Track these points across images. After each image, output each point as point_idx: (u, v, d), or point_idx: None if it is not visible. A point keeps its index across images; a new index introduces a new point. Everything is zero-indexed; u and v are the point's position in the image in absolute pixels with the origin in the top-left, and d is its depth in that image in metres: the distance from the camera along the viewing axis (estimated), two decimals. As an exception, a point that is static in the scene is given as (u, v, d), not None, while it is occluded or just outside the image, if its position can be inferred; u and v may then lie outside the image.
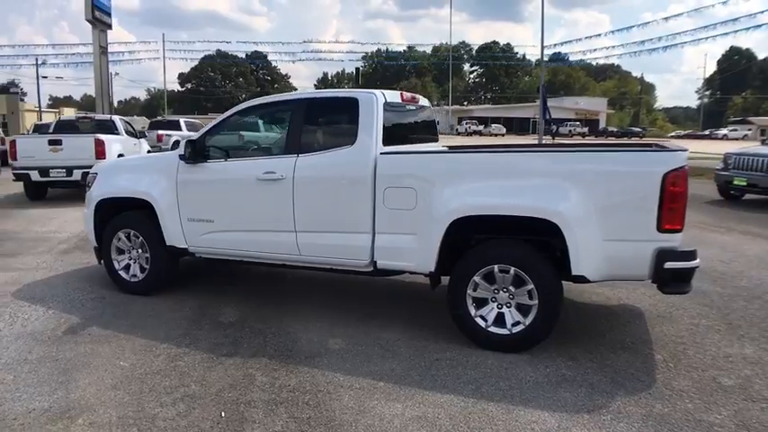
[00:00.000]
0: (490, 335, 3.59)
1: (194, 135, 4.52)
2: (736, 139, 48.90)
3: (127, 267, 4.83)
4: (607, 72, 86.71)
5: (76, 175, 9.52)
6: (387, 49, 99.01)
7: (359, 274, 4.12)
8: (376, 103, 3.90)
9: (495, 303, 3.60)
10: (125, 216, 4.75)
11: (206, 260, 4.77)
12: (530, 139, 26.49)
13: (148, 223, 4.61)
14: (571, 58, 58.54)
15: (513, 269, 3.47)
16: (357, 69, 53.13)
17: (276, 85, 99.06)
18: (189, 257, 4.77)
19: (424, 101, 4.92)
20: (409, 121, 4.68)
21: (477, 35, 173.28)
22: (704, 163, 15.80)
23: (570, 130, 53.09)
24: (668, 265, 3.20)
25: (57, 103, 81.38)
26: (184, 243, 4.54)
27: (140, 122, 26.65)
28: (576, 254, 3.30)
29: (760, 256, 6.25)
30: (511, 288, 3.53)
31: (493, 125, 59.30)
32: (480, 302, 3.63)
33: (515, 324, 3.55)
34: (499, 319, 3.59)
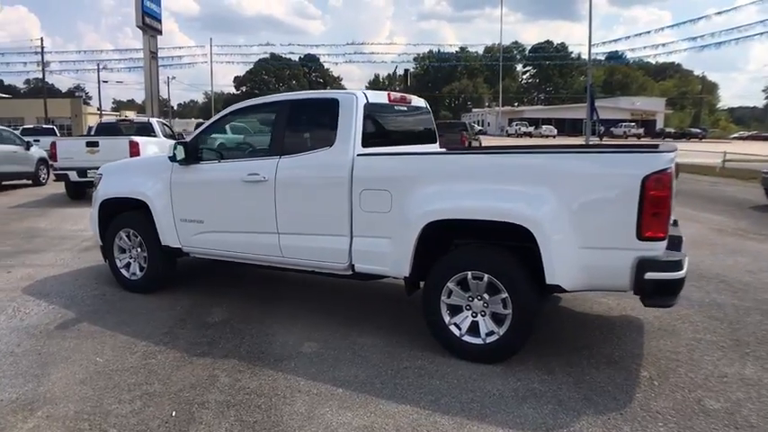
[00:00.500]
0: (464, 344, 3.45)
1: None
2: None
3: (127, 266, 4.98)
4: (667, 71, 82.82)
5: (112, 175, 9.93)
6: (438, 50, 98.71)
7: (339, 276, 4.06)
8: (355, 104, 3.84)
9: (470, 311, 3.46)
10: (125, 216, 4.90)
11: (210, 261, 4.83)
12: (579, 141, 25.57)
13: (146, 223, 4.73)
14: (629, 57, 56.28)
15: (486, 276, 3.32)
16: (405, 71, 53.05)
17: (328, 87, 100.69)
18: (189, 258, 4.86)
19: (418, 101, 4.81)
20: (400, 122, 4.58)
21: (531, 35, 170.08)
22: (761, 166, 14.76)
23: (625, 132, 51.08)
24: (649, 275, 2.96)
25: (120, 105, 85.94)
26: (178, 243, 4.63)
27: (194, 125, 27.67)
28: (549, 261, 3.12)
29: (796, 268, 5.75)
30: (485, 296, 3.38)
31: (543, 126, 57.90)
32: (455, 310, 3.50)
33: (489, 334, 3.39)
34: (473, 328, 3.45)
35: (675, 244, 3.79)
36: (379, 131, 4.22)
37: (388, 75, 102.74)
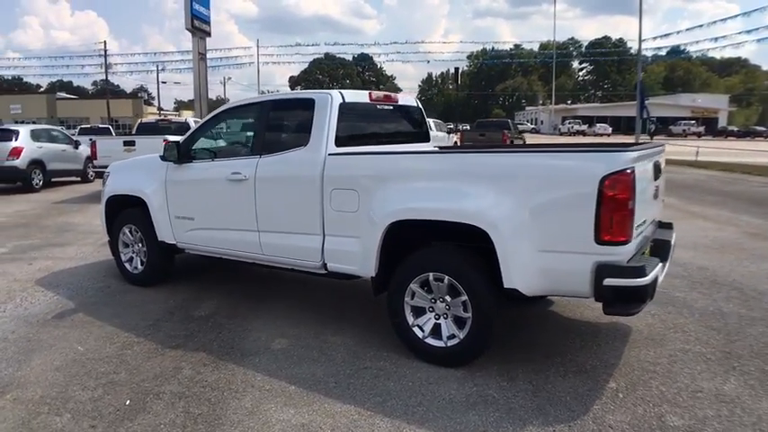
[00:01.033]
0: (427, 346, 3.40)
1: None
2: None
3: (131, 260, 5.21)
4: (733, 67, 77.95)
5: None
6: (492, 48, 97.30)
7: (317, 275, 4.09)
8: (330, 104, 3.85)
9: (433, 313, 3.40)
10: (128, 212, 5.12)
11: (214, 257, 4.96)
12: (631, 139, 24.46)
13: (145, 220, 4.92)
14: (691, 52, 53.48)
15: (447, 278, 3.26)
16: (456, 69, 52.54)
17: (381, 86, 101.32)
18: (193, 254, 5.02)
19: (407, 100, 4.77)
20: (385, 121, 4.55)
21: (590, 30, 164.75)
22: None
23: (684, 130, 48.58)
24: (608, 281, 2.81)
25: (180, 105, 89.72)
26: (173, 239, 4.80)
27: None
28: (506, 264, 3.02)
29: (827, 277, 5.30)
30: (447, 298, 3.32)
31: (598, 125, 55.94)
32: (418, 311, 3.45)
33: (451, 337, 3.33)
34: (436, 331, 3.39)
35: (662, 249, 3.61)
36: (359, 131, 4.21)
37: (441, 73, 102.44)
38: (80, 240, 7.16)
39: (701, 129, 50.17)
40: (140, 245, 5.09)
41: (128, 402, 2.98)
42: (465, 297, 3.21)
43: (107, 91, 53.69)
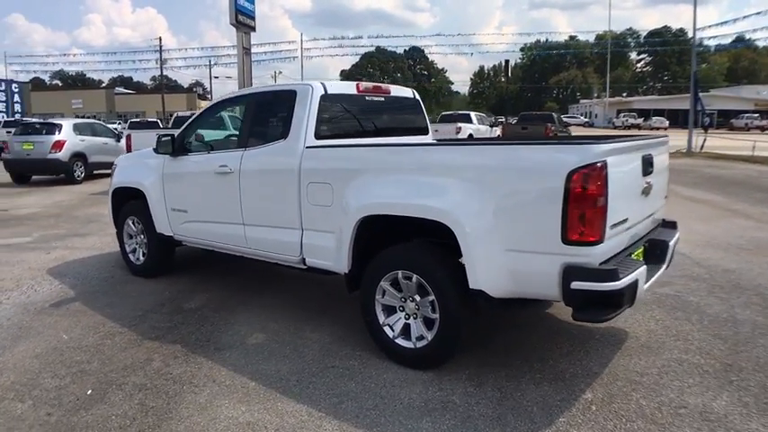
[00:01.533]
0: (397, 347, 3.28)
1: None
2: None
3: (134, 251, 5.32)
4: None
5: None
6: (546, 40, 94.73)
7: (299, 270, 4.02)
8: (310, 96, 3.76)
9: (403, 313, 3.27)
10: (131, 204, 5.23)
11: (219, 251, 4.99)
12: (685, 133, 23.02)
13: (145, 211, 5.01)
14: (758, 42, 50.17)
15: (415, 276, 3.12)
16: (506, 62, 51.35)
17: (432, 80, 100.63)
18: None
19: (402, 92, 4.62)
20: (375, 113, 4.41)
21: (651, 20, 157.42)
22: None
23: (747, 123, 45.63)
24: (576, 285, 2.60)
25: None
26: (170, 231, 4.86)
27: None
28: (472, 264, 2.85)
29: None
30: (416, 297, 3.18)
31: (654, 118, 53.48)
32: (389, 310, 3.33)
33: (420, 338, 3.19)
34: (406, 331, 3.26)
35: (658, 251, 3.34)
36: (344, 123, 4.11)
37: (494, 66, 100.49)
38: (102, 231, 7.40)
39: (765, 122, 46.96)
40: (142, 236, 5.19)
41: (89, 392, 3.01)
42: (432, 297, 3.06)
43: (162, 86, 55.85)
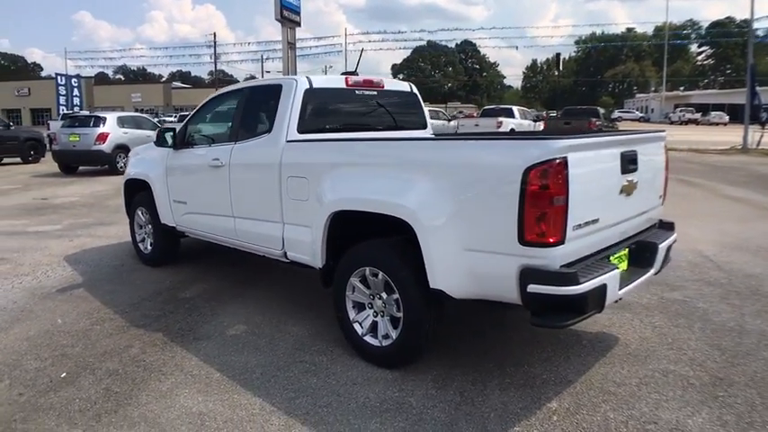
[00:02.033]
0: (365, 344, 3.23)
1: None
2: None
3: (143, 240, 5.49)
4: None
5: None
6: (602, 32, 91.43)
7: (286, 263, 4.03)
8: (294, 90, 3.75)
9: (372, 310, 3.22)
10: (141, 195, 5.39)
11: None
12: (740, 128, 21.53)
13: (151, 202, 5.16)
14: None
15: (381, 274, 3.06)
16: (557, 55, 49.88)
17: (484, 74, 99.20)
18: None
19: (397, 85, 4.54)
20: (367, 107, 4.35)
21: (715, 11, 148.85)
22: None
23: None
24: (532, 288, 2.47)
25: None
26: (173, 222, 4.98)
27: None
28: (431, 262, 2.76)
29: None
30: (383, 295, 3.12)
31: (713, 113, 50.69)
32: (360, 307, 3.29)
33: (385, 336, 3.13)
34: (374, 329, 3.21)
35: (646, 253, 3.16)
36: (331, 118, 4.08)
37: (547, 59, 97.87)
38: (126, 221, 7.65)
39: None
40: (150, 227, 5.35)
41: (63, 375, 3.12)
42: (397, 295, 2.99)
43: (216, 80, 57.59)
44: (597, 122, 22.08)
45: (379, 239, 3.17)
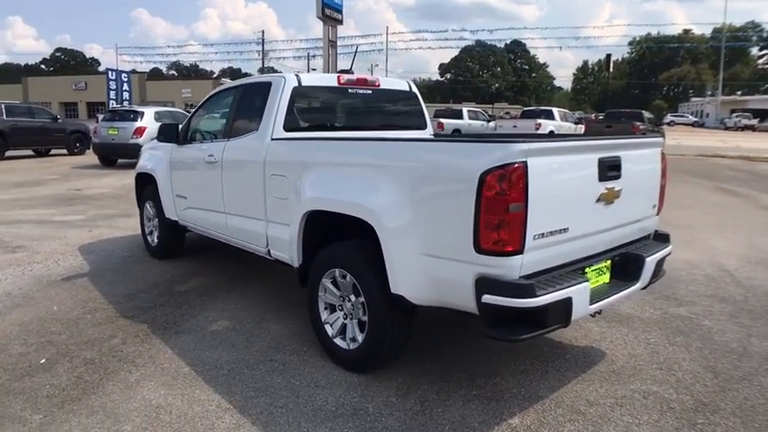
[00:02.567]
0: (334, 346, 3.19)
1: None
2: None
3: (151, 233, 5.63)
4: None
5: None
6: (658, 33, 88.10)
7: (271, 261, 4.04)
8: (282, 87, 3.74)
9: (342, 312, 3.17)
10: (148, 189, 5.53)
11: None
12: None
13: (157, 196, 5.28)
14: None
15: (349, 276, 3.01)
16: (608, 56, 48.55)
17: (533, 75, 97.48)
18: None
19: (395, 84, 4.46)
20: (361, 106, 4.30)
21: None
22: None
23: None
24: (486, 299, 2.36)
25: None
26: (175, 216, 5.08)
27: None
28: (392, 266, 2.70)
29: None
30: (352, 297, 3.07)
31: (772, 119, 47.96)
32: (332, 308, 3.25)
33: (353, 339, 3.08)
34: (343, 331, 3.16)
35: (630, 266, 2.99)
36: (321, 116, 4.06)
37: (598, 61, 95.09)
38: (147, 212, 7.92)
39: None
40: (156, 220, 5.47)
41: (42, 361, 3.22)
42: (363, 298, 2.94)
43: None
44: (641, 126, 21.24)
45: (348, 241, 3.12)
